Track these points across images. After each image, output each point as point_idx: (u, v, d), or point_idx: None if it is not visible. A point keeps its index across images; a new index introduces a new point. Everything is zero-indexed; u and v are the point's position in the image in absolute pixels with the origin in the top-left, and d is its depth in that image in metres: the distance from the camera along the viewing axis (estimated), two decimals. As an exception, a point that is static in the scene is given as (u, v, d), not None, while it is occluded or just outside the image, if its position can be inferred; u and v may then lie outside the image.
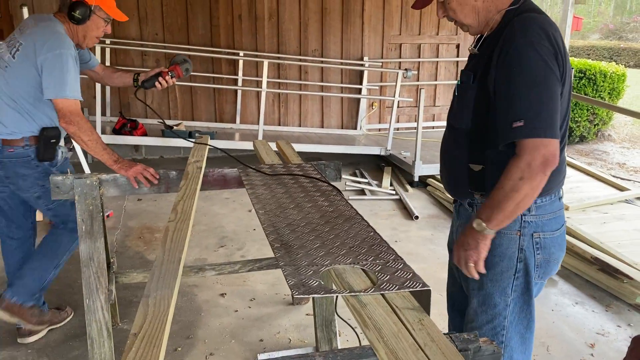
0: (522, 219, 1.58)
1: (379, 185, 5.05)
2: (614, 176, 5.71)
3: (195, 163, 2.27)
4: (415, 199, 4.76)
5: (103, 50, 5.32)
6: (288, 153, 2.52)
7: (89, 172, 4.57)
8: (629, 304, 3.06)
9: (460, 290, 1.86)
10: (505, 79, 1.46)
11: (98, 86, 4.81)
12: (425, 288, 1.28)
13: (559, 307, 3.04)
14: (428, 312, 1.30)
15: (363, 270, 1.36)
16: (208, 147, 2.57)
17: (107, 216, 4.12)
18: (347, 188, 4.98)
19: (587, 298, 3.15)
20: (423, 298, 1.30)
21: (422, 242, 3.86)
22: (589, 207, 4.29)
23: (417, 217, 4.27)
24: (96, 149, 2.32)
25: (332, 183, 2.37)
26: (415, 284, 1.28)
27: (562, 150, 1.55)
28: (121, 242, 3.72)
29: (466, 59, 1.73)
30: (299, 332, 2.70)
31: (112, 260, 2.47)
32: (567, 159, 5.63)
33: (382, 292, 1.25)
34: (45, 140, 2.37)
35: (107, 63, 5.47)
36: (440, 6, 1.62)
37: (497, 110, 1.49)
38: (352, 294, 1.24)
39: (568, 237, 3.62)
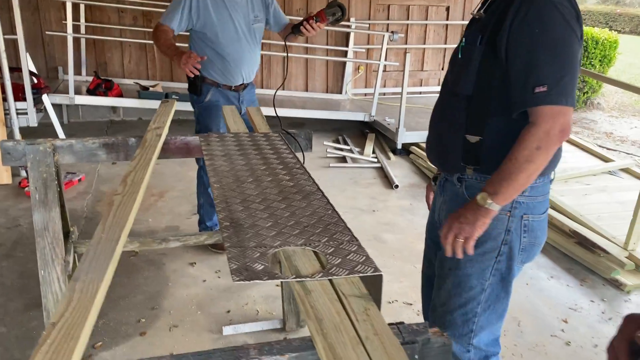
0: (514, 199, 1.48)
1: (361, 153, 4.96)
2: (599, 146, 5.65)
3: (156, 130, 2.15)
4: (397, 167, 4.68)
5: (76, 7, 5.09)
6: (257, 121, 2.41)
7: (62, 134, 4.44)
8: (604, 278, 3.04)
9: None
10: (525, 40, 1.35)
11: (70, 43, 4.61)
12: (377, 273, 1.20)
13: (534, 280, 3.01)
14: (379, 299, 1.23)
15: (314, 252, 1.28)
16: (173, 112, 2.44)
17: (79, 180, 4.01)
18: (328, 155, 4.88)
19: (562, 272, 3.12)
20: (374, 284, 1.23)
21: (400, 212, 3.79)
22: (571, 178, 4.24)
23: (397, 186, 4.20)
24: (164, 53, 2.82)
25: (303, 153, 2.29)
26: (367, 268, 1.21)
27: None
28: (91, 207, 3.62)
29: (457, 22, 1.62)
30: (268, 303, 2.65)
31: (71, 230, 2.37)
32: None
33: (330, 278, 1.17)
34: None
35: (82, 20, 5.26)
36: None
37: (512, 74, 1.39)
38: (298, 279, 1.16)
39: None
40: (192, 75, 2.66)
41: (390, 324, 1.05)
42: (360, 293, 1.13)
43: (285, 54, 3.32)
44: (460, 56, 1.53)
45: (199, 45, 2.85)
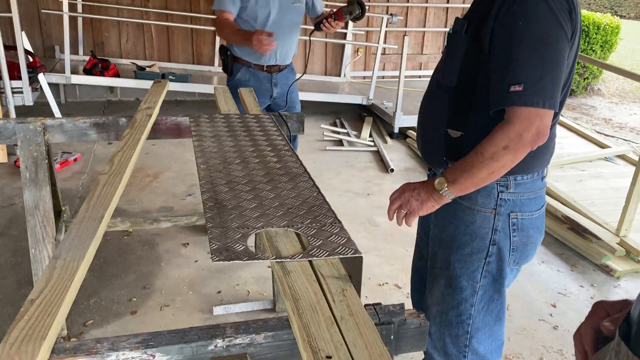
0: (498, 196, 1.42)
1: (358, 136, 4.95)
2: (597, 132, 5.64)
3: (146, 110, 2.15)
4: (394, 151, 4.67)
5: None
6: (248, 102, 2.40)
7: (59, 113, 4.43)
8: (594, 264, 3.05)
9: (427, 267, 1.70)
10: (507, 33, 1.26)
11: (66, 21, 4.58)
12: (357, 255, 1.21)
13: (525, 265, 3.02)
14: (359, 280, 1.24)
15: (297, 233, 1.29)
16: (165, 92, 2.43)
17: (75, 160, 4.01)
18: (325, 138, 4.87)
19: (553, 257, 3.13)
20: (355, 265, 1.23)
21: (395, 196, 3.80)
22: (567, 164, 4.24)
23: (392, 170, 4.20)
24: (233, 41, 2.75)
25: (291, 135, 2.29)
26: (347, 250, 1.21)
27: (554, 124, 1.37)
28: (86, 187, 3.63)
29: (457, 5, 1.56)
30: (259, 284, 2.67)
31: (63, 209, 2.38)
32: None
33: (310, 259, 1.18)
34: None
35: (79, 8, 5.22)
36: None
37: (491, 68, 1.30)
38: (278, 260, 1.17)
39: (541, 195, 3.58)
40: (270, 52, 2.62)
41: (366, 305, 1.06)
42: (338, 274, 1.14)
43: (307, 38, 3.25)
44: (447, 44, 1.45)
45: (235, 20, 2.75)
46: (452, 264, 1.51)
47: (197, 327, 0.99)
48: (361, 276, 1.26)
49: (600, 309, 0.76)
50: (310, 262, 1.17)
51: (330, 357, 0.89)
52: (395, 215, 1.49)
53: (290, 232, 1.30)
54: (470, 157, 1.32)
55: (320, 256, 1.18)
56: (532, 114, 1.23)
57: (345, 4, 2.61)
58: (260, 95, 2.76)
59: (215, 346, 0.96)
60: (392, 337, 1.05)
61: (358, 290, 1.16)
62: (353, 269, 1.23)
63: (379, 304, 1.09)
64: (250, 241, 1.24)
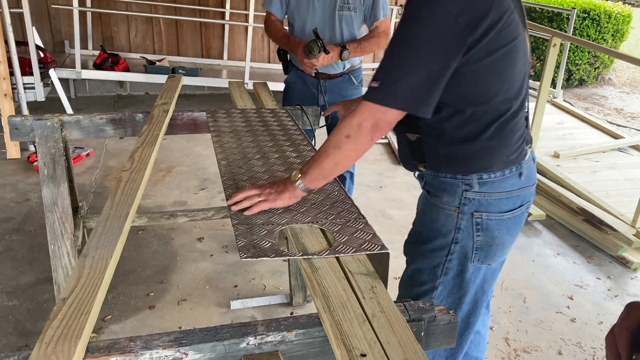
0: (462, 195, 1.38)
1: (369, 128, 4.93)
2: (609, 122, 5.59)
3: (163, 105, 2.14)
4: (405, 143, 4.65)
5: (82, -21, 5.04)
6: (263, 96, 2.39)
7: (70, 108, 4.44)
8: (611, 255, 3.04)
9: None
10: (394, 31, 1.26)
11: (76, 16, 4.57)
12: (384, 251, 1.20)
13: (540, 257, 3.01)
14: (386, 276, 1.24)
15: (321, 229, 1.29)
16: (180, 87, 2.43)
17: (87, 155, 4.02)
18: (335, 130, 4.86)
19: (569, 249, 3.12)
20: (381, 261, 1.23)
21: (407, 188, 3.79)
22: (580, 155, 4.21)
23: (404, 162, 4.18)
24: (279, 44, 2.59)
25: (312, 129, 2.28)
26: (374, 246, 1.21)
27: (508, 120, 1.32)
28: (100, 182, 3.64)
29: None
30: (275, 278, 2.67)
31: (80, 205, 2.39)
32: (563, 103, 5.48)
33: (336, 255, 1.17)
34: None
35: (89, 3, 5.21)
36: None
37: None
38: (305, 256, 1.17)
39: (555, 186, 3.56)
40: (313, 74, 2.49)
41: (396, 302, 1.06)
42: (366, 271, 1.13)
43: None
44: None
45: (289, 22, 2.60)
46: (414, 257, 1.52)
47: (228, 325, 0.99)
48: (388, 272, 1.26)
49: (635, 309, 0.74)
50: (337, 258, 1.17)
51: (365, 355, 0.89)
52: (245, 200, 1.36)
53: (315, 228, 1.29)
54: (320, 148, 1.33)
55: (347, 252, 1.18)
56: (376, 109, 1.23)
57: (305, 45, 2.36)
58: (307, 101, 2.58)
59: (247, 344, 0.96)
60: (422, 334, 1.05)
61: (385, 286, 1.16)
62: (379, 264, 1.22)
63: (408, 300, 1.08)
64: (275, 237, 1.24)
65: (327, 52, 2.32)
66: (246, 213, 1.32)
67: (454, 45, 1.18)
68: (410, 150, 1.46)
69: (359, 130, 1.25)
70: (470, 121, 1.31)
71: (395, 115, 1.24)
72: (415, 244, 1.52)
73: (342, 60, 2.42)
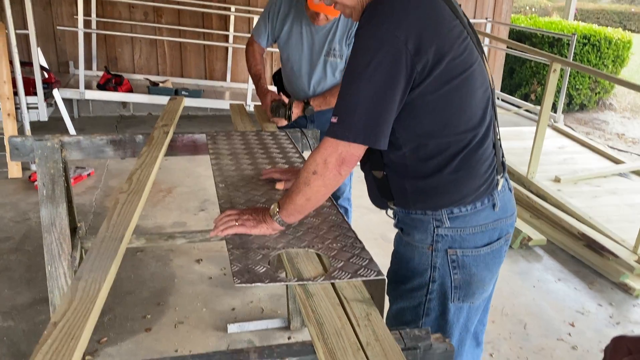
0: (434, 231, 1.34)
1: (370, 150, 4.93)
2: (610, 147, 5.60)
3: (163, 127, 2.15)
4: (406, 166, 4.65)
5: (88, 2, 5.11)
6: (263, 119, 2.40)
7: (72, 128, 4.46)
8: (612, 282, 3.01)
9: None
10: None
11: (81, 38, 4.63)
12: (380, 277, 1.19)
13: (541, 283, 2.99)
14: (382, 303, 1.23)
15: (317, 254, 1.28)
16: (181, 109, 2.44)
17: (88, 175, 4.03)
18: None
19: (570, 274, 3.09)
20: (377, 287, 1.22)
21: (408, 212, 3.78)
22: (581, 180, 4.20)
23: (405, 185, 4.17)
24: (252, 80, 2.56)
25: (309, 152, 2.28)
26: (370, 272, 1.20)
27: (474, 151, 1.29)
28: (100, 202, 3.64)
29: None
30: (273, 302, 2.65)
31: (79, 225, 2.38)
32: (564, 128, 5.49)
33: (332, 281, 1.16)
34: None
35: (94, 15, 5.28)
36: None
37: None
38: (300, 282, 1.16)
39: (556, 211, 3.55)
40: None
41: (391, 329, 1.05)
42: (362, 297, 1.12)
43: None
44: None
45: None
46: (397, 296, 1.48)
47: (221, 351, 0.97)
48: (384, 299, 1.25)
49: (622, 344, 0.74)
50: (333, 284, 1.16)
51: (358, 385, 0.87)
52: (224, 223, 1.35)
53: (311, 253, 1.28)
54: (292, 184, 1.33)
55: (343, 278, 1.17)
56: (337, 143, 1.22)
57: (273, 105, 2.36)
58: (295, 126, 2.49)
59: (240, 371, 0.95)
60: (417, 362, 1.03)
61: (381, 313, 1.14)
62: (375, 290, 1.21)
63: (404, 328, 1.07)
64: (272, 262, 1.23)
65: (289, 120, 2.33)
66: (220, 234, 1.32)
67: (404, 72, 1.18)
68: (378, 188, 1.43)
69: (324, 166, 1.24)
70: (434, 154, 1.29)
71: (357, 148, 1.23)
72: (394, 284, 1.48)
73: (305, 115, 2.41)
